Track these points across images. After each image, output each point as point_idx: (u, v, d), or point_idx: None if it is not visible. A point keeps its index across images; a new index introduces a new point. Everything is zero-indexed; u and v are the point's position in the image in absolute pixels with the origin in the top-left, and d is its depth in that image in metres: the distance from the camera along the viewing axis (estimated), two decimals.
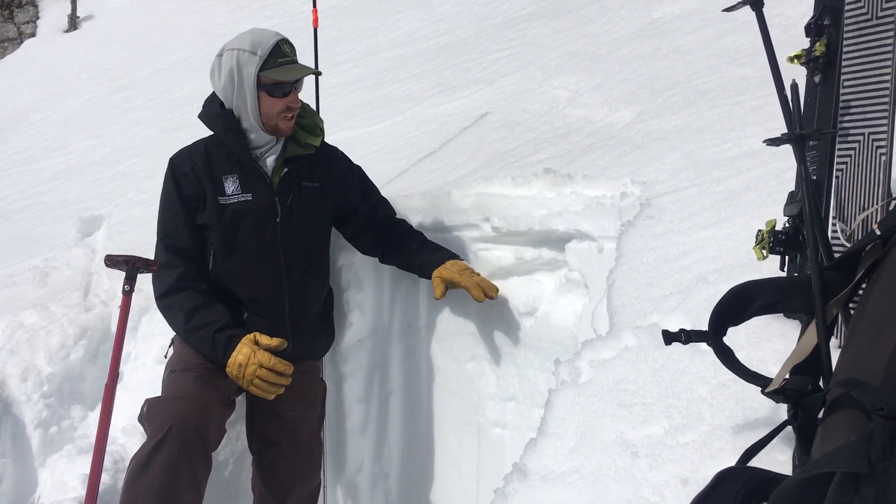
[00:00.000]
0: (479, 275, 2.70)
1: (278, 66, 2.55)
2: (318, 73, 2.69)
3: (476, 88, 4.56)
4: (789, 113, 1.53)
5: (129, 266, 2.72)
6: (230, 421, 2.79)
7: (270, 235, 2.64)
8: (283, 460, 2.71)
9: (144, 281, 2.84)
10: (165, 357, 2.74)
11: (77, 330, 3.36)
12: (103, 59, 11.22)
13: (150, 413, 2.46)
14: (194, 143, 2.73)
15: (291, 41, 2.64)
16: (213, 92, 2.66)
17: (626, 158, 2.76)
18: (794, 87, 1.52)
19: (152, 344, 3.21)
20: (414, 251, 2.76)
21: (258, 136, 2.63)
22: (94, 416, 3.11)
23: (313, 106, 3.02)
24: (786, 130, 1.57)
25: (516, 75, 4.51)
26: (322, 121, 2.78)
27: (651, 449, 1.51)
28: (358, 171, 2.91)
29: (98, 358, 3.37)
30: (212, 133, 2.67)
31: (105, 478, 2.61)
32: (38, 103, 9.83)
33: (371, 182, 2.93)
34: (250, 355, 2.45)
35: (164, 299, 2.62)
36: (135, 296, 2.78)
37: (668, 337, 1.38)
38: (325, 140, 2.80)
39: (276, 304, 2.65)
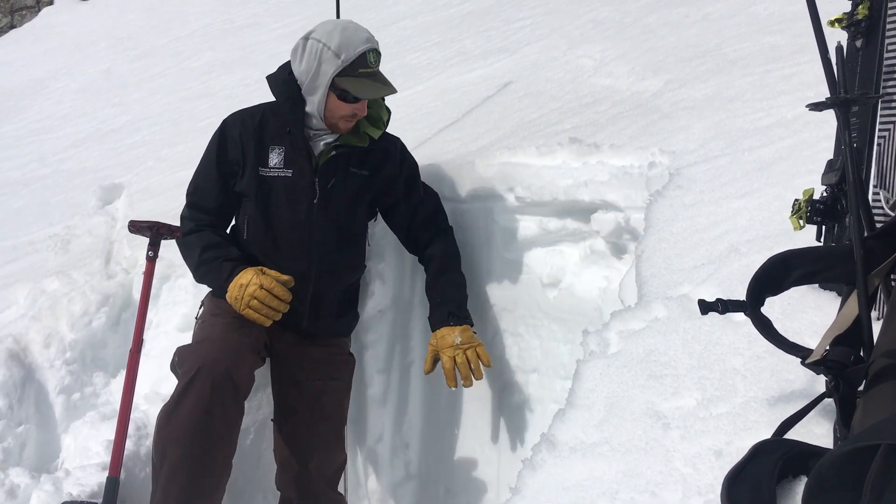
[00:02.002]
0: (474, 347, 2.57)
1: (358, 76, 2.48)
2: (393, 91, 2.58)
3: (499, 57, 4.49)
4: (833, 77, 1.48)
5: (153, 232, 2.73)
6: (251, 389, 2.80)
7: (304, 216, 2.60)
8: (303, 429, 2.70)
9: (167, 248, 2.83)
10: (196, 318, 2.73)
11: (99, 297, 3.36)
12: (121, 27, 11.17)
13: (181, 359, 2.45)
14: (255, 106, 2.70)
15: (379, 49, 2.55)
16: (290, 61, 2.60)
17: (653, 128, 2.71)
18: (839, 49, 1.48)
19: (174, 312, 3.21)
20: (429, 284, 2.71)
21: (317, 122, 2.59)
22: (116, 383, 3.12)
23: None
24: (826, 96, 1.52)
25: (540, 44, 4.44)
26: (388, 112, 2.72)
27: (683, 420, 1.48)
28: (410, 166, 2.80)
29: (119, 325, 3.37)
30: (274, 99, 2.64)
31: (128, 444, 2.62)
32: (57, 72, 9.81)
33: (419, 180, 2.81)
34: (253, 276, 2.47)
35: (183, 239, 2.67)
36: (157, 263, 2.78)
37: (705, 307, 1.35)
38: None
39: (299, 284, 2.61)
